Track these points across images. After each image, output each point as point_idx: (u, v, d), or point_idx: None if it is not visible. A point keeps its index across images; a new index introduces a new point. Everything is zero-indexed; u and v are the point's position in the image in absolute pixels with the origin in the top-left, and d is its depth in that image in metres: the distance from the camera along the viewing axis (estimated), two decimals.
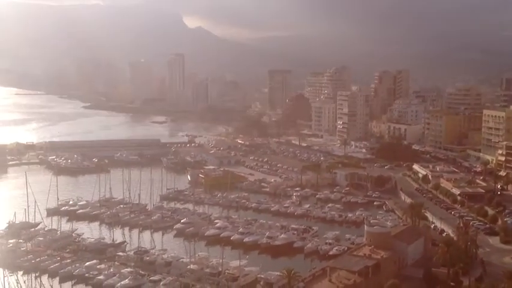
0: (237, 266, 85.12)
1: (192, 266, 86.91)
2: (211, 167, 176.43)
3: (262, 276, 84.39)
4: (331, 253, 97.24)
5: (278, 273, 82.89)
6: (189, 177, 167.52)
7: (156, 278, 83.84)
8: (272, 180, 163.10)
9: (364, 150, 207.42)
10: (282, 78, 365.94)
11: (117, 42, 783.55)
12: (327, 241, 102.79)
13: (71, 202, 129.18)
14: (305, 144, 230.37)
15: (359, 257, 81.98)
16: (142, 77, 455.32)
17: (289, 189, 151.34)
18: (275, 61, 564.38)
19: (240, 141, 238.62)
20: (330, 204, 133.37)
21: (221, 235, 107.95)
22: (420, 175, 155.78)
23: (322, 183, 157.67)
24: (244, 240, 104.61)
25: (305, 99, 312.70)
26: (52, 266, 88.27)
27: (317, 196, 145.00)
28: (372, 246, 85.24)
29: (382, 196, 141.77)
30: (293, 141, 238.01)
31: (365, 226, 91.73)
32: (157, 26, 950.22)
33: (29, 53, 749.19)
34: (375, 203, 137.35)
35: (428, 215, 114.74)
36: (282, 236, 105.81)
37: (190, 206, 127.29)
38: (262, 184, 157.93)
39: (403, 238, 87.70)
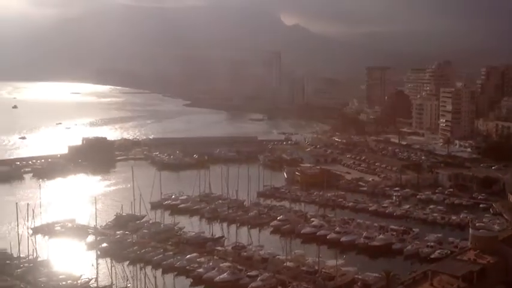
0: (333, 266, 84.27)
1: (288, 264, 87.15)
2: (308, 164, 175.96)
3: (360, 276, 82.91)
4: (432, 256, 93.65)
5: (376, 274, 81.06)
6: (285, 174, 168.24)
7: (253, 273, 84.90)
8: (370, 179, 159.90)
9: (469, 150, 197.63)
10: (381, 74, 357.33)
11: (217, 42, 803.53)
12: (428, 244, 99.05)
13: (173, 196, 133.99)
14: (405, 143, 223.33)
15: (463, 261, 78.17)
16: (241, 75, 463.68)
17: (387, 188, 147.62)
18: (374, 57, 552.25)
19: (337, 139, 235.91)
20: (431, 206, 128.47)
21: (317, 233, 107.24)
22: None
23: (423, 184, 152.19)
24: (341, 240, 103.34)
25: (405, 96, 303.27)
26: (155, 258, 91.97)
27: (418, 197, 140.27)
28: (477, 251, 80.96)
29: (488, 198, 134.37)
30: (392, 140, 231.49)
31: (470, 229, 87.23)
32: (256, 24, 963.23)
33: (135, 53, 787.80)
34: (480, 206, 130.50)
35: None
36: (381, 236, 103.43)
37: (286, 204, 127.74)
38: (360, 183, 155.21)
39: (511, 243, 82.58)
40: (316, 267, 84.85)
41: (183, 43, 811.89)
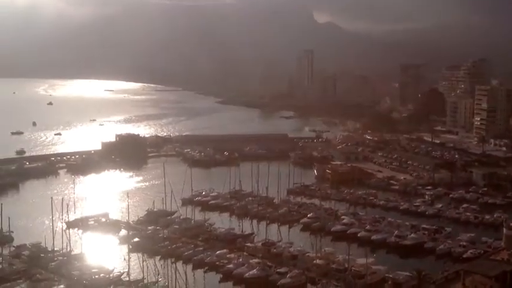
0: (363, 264, 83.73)
1: (318, 261, 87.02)
2: (338, 162, 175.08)
3: (390, 275, 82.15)
4: (465, 256, 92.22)
5: (407, 273, 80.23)
6: (315, 172, 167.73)
7: (282, 270, 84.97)
8: (402, 177, 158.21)
9: (504, 149, 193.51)
10: (415, 72, 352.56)
11: (249, 39, 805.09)
12: (461, 243, 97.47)
13: (203, 193, 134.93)
14: (438, 141, 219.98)
15: (497, 261, 76.84)
16: (272, 73, 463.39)
17: (420, 187, 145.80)
18: (407, 54, 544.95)
19: (368, 137, 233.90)
20: (464, 205, 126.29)
21: (348, 231, 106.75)
22: None
23: (456, 183, 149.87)
24: (371, 238, 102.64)
25: (439, 94, 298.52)
26: (186, 253, 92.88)
27: (450, 196, 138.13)
28: (511, 251, 79.40)
29: None
30: (425, 138, 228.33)
31: (504, 229, 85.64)
32: (288, 22, 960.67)
33: (168, 51, 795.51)
34: None
35: None
36: (412, 235, 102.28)
37: (316, 201, 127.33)
38: (391, 181, 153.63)
39: None
40: (346, 265, 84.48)
41: (215, 40, 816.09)
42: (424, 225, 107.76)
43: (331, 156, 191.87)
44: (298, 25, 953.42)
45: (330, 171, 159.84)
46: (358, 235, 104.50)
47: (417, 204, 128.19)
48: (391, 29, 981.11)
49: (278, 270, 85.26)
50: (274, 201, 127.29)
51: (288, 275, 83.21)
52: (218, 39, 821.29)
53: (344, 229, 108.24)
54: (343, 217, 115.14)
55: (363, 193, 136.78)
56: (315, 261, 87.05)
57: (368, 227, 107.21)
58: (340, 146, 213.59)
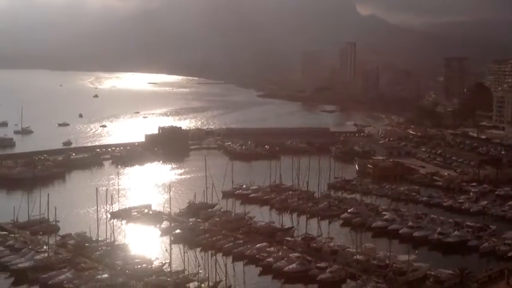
0: (405, 261, 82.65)
1: (358, 257, 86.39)
2: (380, 157, 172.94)
3: (432, 273, 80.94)
4: (510, 254, 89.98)
5: (450, 271, 78.88)
6: (357, 167, 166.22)
7: (322, 265, 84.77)
8: (446, 173, 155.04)
9: None
10: (460, 66, 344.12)
11: (291, 32, 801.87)
12: (506, 241, 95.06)
13: (244, 186, 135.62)
14: (484, 137, 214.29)
15: None
16: (314, 66, 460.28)
17: (464, 184, 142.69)
18: (452, 48, 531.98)
19: (412, 132, 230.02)
20: (510, 202, 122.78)
21: (389, 227, 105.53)
22: None
23: (502, 179, 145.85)
24: (413, 235, 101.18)
25: (485, 88, 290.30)
26: (226, 246, 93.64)
27: (496, 193, 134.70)
28: None
29: None
30: (470, 133, 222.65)
31: None
32: (331, 15, 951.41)
33: (210, 44, 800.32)
34: None
35: None
36: (455, 233, 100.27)
37: (357, 196, 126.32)
38: (435, 177, 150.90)
39: None
40: (387, 262, 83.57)
41: (256, 33, 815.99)
42: (468, 223, 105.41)
43: (373, 151, 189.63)
44: (340, 17, 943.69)
45: (371, 166, 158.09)
46: (400, 231, 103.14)
47: (461, 201, 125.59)
48: (433, 21, 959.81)
49: (318, 264, 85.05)
50: (315, 195, 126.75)
51: (327, 270, 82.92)
52: (259, 31, 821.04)
53: (385, 225, 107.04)
54: (384, 213, 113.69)
55: (405, 189, 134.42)
56: (355, 257, 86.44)
57: (410, 223, 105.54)
58: (382, 141, 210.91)
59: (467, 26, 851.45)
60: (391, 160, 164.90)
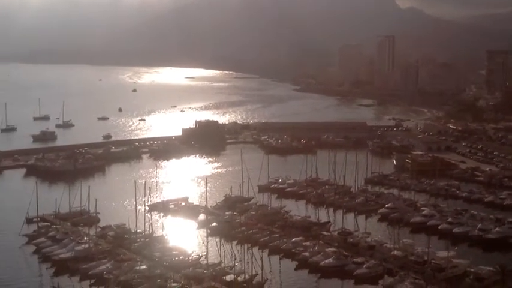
0: (444, 257, 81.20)
1: (396, 252, 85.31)
2: (419, 152, 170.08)
3: (472, 270, 79.29)
4: None
5: (490, 268, 77.17)
6: (394, 161, 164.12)
7: (359, 260, 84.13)
8: (487, 169, 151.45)
9: None
10: (503, 59, 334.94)
11: (327, 25, 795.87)
12: None
13: (280, 180, 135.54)
14: None
15: None
16: (351, 60, 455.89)
17: (506, 179, 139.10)
18: (495, 41, 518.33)
19: (452, 126, 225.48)
20: None
21: (428, 223, 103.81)
22: None
23: None
24: (453, 231, 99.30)
25: None
26: (262, 239, 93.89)
27: None
28: None
29: None
30: None
31: None
32: (369, 7, 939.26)
33: (246, 39, 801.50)
34: None
35: None
36: (497, 229, 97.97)
37: (395, 191, 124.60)
38: (475, 173, 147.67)
39: None
40: (426, 258, 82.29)
41: (292, 27, 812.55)
42: (510, 219, 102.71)
43: (412, 146, 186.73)
44: (379, 9, 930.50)
45: (410, 161, 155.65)
46: (439, 227, 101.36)
47: (503, 197, 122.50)
48: (475, 13, 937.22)
49: (354, 260, 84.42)
50: (351, 190, 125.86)
51: (364, 266, 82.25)
52: (295, 25, 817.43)
53: (424, 221, 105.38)
54: (423, 208, 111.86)
55: (445, 184, 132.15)
56: (392, 253, 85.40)
57: (450, 219, 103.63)
58: (421, 135, 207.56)
59: (505, 18, 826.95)
60: (430, 155, 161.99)
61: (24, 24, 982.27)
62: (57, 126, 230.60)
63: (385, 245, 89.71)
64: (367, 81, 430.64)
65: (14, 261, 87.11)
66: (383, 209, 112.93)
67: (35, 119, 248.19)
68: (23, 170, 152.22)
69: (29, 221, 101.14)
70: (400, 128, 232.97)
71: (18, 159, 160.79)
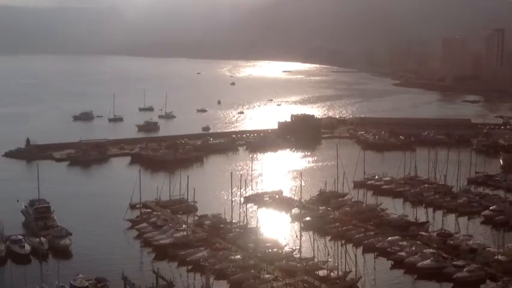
0: None
1: (500, 257, 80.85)
2: None
3: None
4: None
5: None
6: (501, 161, 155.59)
7: (459, 263, 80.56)
8: None
9: None
10: None
11: (431, 19, 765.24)
12: None
13: (376, 177, 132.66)
14: None
15: None
16: (455, 54, 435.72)
17: None
18: None
19: None
20: None
21: None
22: None
23: None
24: None
25: None
26: (356, 236, 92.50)
27: None
28: None
29: None
30: None
31: None
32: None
33: (343, 32, 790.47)
34: None
35: None
36: None
37: (501, 193, 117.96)
38: None
39: None
40: None
41: (390, 19, 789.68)
42: None
43: None
44: (486, 1, 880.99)
45: None
46: None
47: None
48: None
49: (454, 262, 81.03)
50: (453, 190, 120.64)
51: (465, 269, 78.71)
52: (393, 17, 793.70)
53: None
54: None
55: None
56: (496, 257, 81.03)
57: None
58: None
59: None
60: None
61: (128, 18, 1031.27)
62: (160, 117, 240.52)
63: (488, 248, 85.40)
64: (473, 76, 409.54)
65: (119, 245, 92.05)
66: (487, 211, 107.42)
67: (140, 109, 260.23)
68: (128, 158, 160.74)
69: (132, 206, 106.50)
70: (508, 127, 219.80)
71: (124, 147, 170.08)
